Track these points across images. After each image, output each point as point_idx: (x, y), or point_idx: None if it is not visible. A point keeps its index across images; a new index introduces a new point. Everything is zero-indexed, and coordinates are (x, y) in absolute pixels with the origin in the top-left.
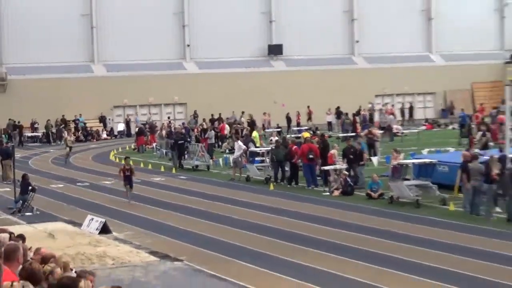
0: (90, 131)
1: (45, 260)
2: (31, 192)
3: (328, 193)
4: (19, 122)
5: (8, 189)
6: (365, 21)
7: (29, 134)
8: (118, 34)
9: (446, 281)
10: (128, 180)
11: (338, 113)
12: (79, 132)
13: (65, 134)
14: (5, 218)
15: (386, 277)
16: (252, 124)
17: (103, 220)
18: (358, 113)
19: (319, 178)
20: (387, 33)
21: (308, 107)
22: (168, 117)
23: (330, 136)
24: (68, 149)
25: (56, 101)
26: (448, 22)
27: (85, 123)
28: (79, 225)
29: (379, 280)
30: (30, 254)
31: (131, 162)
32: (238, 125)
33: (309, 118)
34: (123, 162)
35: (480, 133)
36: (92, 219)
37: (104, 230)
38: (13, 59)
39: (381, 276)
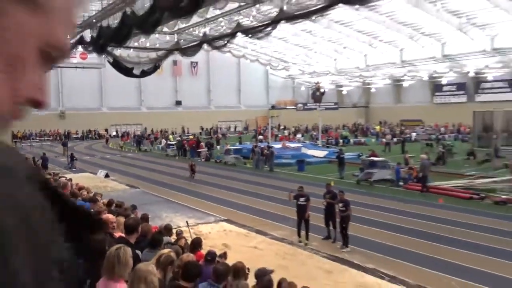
0: (101, 135)
1: (80, 188)
2: (75, 160)
3: (200, 160)
4: (69, 131)
5: (65, 159)
6: (215, 90)
7: (74, 136)
8: (112, 94)
9: (244, 194)
10: (192, 170)
11: (202, 128)
12: (97, 134)
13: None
14: (63, 171)
15: (223, 193)
16: (166, 132)
17: (106, 171)
18: (211, 128)
19: (197, 154)
20: (224, 95)
21: (183, 126)
22: (134, 130)
23: (200, 137)
24: (120, 148)
25: (86, 122)
26: (247, 92)
27: (99, 132)
28: (95, 174)
29: (231, 197)
30: (74, 186)
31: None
32: (165, 133)
33: (186, 131)
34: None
35: (260, 136)
36: (101, 171)
37: (107, 176)
38: (66, 103)
39: (225, 194)
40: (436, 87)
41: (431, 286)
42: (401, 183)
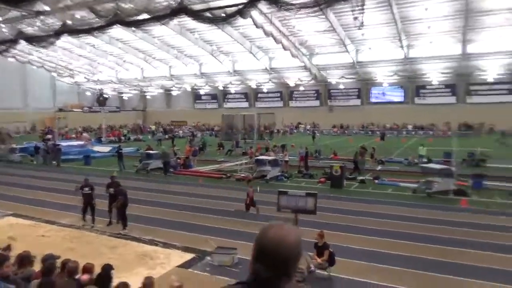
0: None
1: None
2: None
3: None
4: None
5: None
6: None
7: None
8: None
9: (31, 188)
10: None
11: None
12: None
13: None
14: None
15: None
16: None
17: None
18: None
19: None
20: (9, 98)
21: None
22: None
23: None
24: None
25: None
26: (34, 95)
27: None
28: None
29: (17, 192)
30: None
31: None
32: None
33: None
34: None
35: (48, 136)
36: None
37: None
38: None
39: (11, 190)
40: (196, 96)
41: (194, 245)
42: (171, 170)
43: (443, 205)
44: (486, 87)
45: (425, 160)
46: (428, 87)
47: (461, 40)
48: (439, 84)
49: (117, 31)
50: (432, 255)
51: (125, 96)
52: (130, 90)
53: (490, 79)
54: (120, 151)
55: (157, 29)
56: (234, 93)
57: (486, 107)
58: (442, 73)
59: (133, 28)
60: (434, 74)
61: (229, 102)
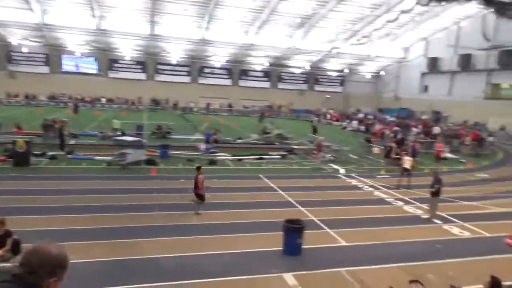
0: None
1: None
2: None
3: None
4: None
5: None
6: None
7: None
8: None
9: None
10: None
11: None
12: None
13: None
14: None
15: None
16: None
17: None
18: None
19: None
20: None
21: None
22: None
23: None
24: None
25: None
26: None
27: None
28: None
29: None
30: None
31: None
32: None
33: None
34: None
35: None
36: None
37: None
38: None
39: None
40: None
41: None
42: None
43: (135, 174)
44: (170, 68)
45: (119, 133)
46: (121, 61)
47: (150, 21)
48: (132, 60)
49: None
50: (124, 222)
51: None
52: None
53: (173, 61)
54: None
55: None
56: None
57: (171, 85)
58: (134, 49)
59: None
60: (127, 49)
61: None
